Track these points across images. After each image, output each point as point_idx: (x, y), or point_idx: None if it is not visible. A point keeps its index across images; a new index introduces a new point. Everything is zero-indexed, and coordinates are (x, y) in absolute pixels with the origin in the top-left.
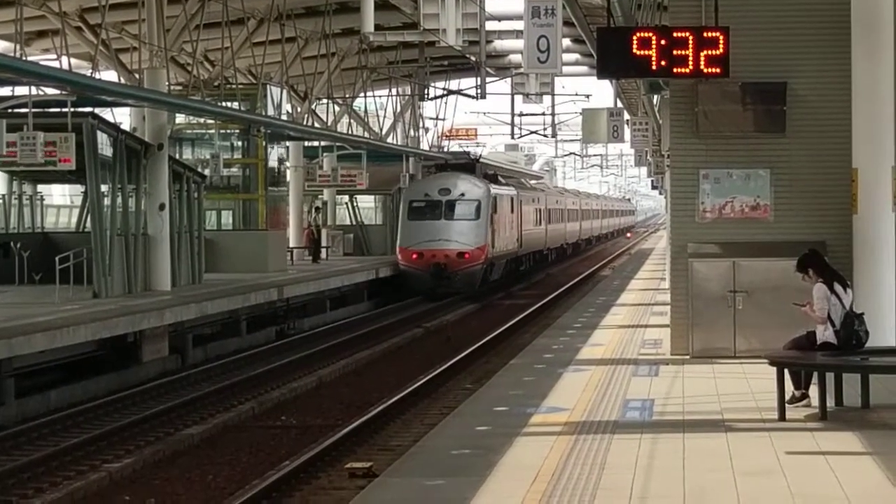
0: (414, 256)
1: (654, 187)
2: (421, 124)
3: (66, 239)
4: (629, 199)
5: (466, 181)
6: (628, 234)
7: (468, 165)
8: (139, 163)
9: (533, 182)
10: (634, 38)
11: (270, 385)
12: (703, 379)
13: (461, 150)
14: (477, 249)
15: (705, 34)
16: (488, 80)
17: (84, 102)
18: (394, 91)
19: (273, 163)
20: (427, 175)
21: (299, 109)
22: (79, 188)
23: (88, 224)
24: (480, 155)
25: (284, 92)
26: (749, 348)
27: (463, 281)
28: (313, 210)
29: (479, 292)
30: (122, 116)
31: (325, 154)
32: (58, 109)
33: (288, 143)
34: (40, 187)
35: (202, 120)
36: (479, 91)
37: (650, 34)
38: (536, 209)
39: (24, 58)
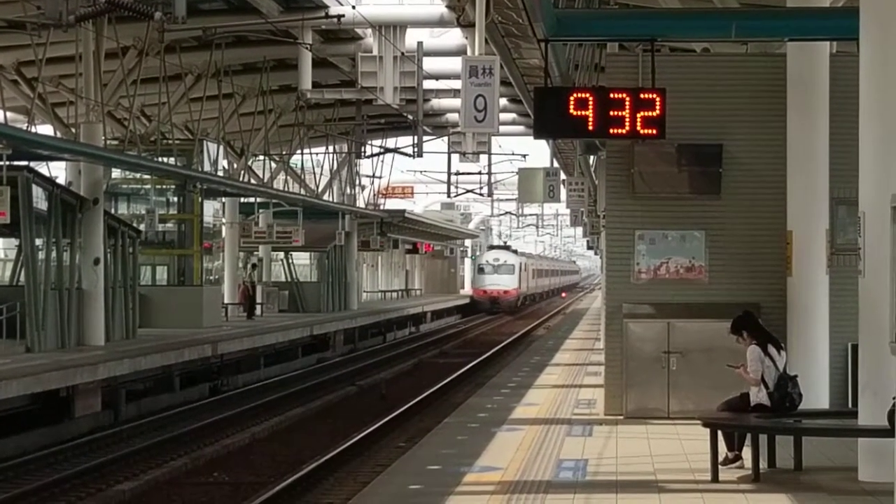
0: (481, 292)
1: (589, 247)
2: (357, 182)
3: None
4: (574, 261)
5: (508, 253)
6: (563, 294)
7: (506, 247)
8: (74, 217)
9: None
10: (571, 98)
11: (203, 441)
12: (636, 439)
13: (396, 209)
14: (514, 290)
15: (642, 95)
16: (425, 138)
17: (19, 156)
18: (330, 148)
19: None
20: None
21: (235, 165)
22: (13, 242)
23: (22, 278)
24: (509, 242)
25: (221, 148)
26: (683, 409)
27: (507, 305)
28: (249, 266)
29: (512, 311)
30: (58, 170)
31: (261, 210)
32: None
33: (224, 199)
34: None
35: (138, 175)
36: (416, 149)
37: (587, 95)
38: (533, 269)
39: None
